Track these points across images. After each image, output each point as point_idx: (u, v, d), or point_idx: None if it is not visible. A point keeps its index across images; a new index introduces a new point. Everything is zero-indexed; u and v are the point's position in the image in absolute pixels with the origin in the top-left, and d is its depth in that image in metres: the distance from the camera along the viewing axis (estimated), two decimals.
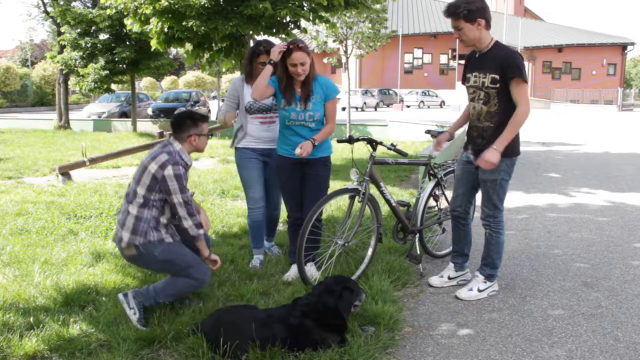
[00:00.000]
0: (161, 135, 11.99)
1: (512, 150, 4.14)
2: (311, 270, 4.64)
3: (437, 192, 5.30)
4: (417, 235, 5.11)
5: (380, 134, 18.78)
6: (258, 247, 5.15)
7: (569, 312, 4.10)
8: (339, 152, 13.15)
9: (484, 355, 3.47)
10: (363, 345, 3.39)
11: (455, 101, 40.47)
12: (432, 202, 5.36)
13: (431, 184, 5.19)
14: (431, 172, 5.26)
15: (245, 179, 5.04)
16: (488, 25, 4.08)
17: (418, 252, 4.99)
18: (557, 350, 3.52)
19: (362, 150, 13.67)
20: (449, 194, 4.98)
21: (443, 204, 5.47)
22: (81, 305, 4.05)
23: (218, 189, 8.39)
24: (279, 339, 3.32)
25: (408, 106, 47.13)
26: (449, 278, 4.68)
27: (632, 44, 57.96)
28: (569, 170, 10.85)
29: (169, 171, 3.65)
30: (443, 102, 49.05)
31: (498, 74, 4.04)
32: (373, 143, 4.82)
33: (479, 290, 4.37)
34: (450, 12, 4.04)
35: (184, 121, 3.86)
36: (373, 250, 4.79)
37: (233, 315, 3.48)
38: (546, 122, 23.14)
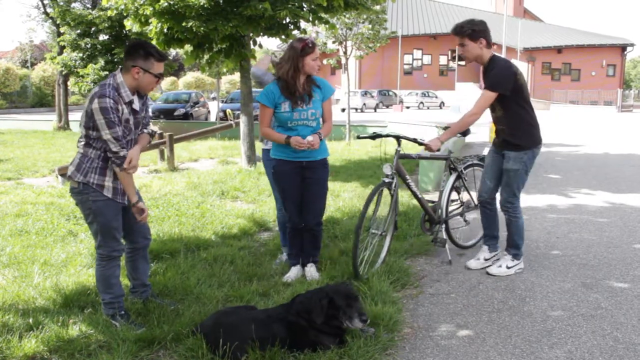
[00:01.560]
0: (161, 136, 11.97)
1: (530, 142, 4.78)
2: (311, 271, 4.70)
3: (458, 185, 5.60)
4: (444, 225, 5.41)
5: None
6: (286, 245, 5.11)
7: (569, 313, 4.10)
8: (338, 154, 13.15)
9: (483, 356, 3.47)
10: (363, 347, 3.39)
11: (455, 102, 40.48)
12: (454, 196, 5.66)
13: (452, 178, 5.48)
14: (451, 166, 5.51)
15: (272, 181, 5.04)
16: (489, 45, 4.67)
17: (444, 237, 5.34)
18: (556, 351, 3.51)
19: (361, 151, 13.68)
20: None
21: (465, 197, 5.74)
22: (81, 306, 4.05)
23: (218, 190, 8.39)
24: (278, 339, 3.33)
25: (408, 107, 47.15)
26: (485, 259, 5.14)
27: (632, 45, 57.97)
28: (568, 171, 10.85)
29: (94, 104, 3.44)
30: (443, 103, 49.07)
31: None
32: (398, 139, 5.09)
33: (507, 267, 4.92)
34: (457, 30, 4.64)
35: (136, 49, 3.59)
36: (391, 238, 5.11)
37: (232, 316, 3.48)
38: (546, 123, 23.11)
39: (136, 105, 3.70)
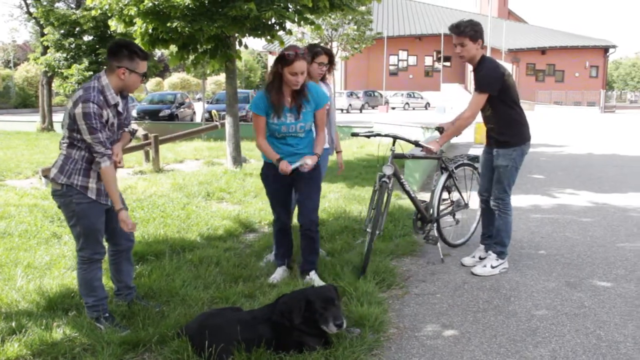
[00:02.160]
0: (146, 137, 11.91)
1: (519, 140, 4.88)
2: (315, 279, 4.58)
3: (449, 185, 5.64)
4: (435, 224, 5.47)
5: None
6: None
7: (553, 312, 4.13)
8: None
9: (469, 355, 3.49)
10: (348, 347, 3.39)
11: (440, 103, 40.67)
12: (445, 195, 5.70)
13: (444, 177, 5.52)
14: (443, 165, 5.55)
15: None
16: (483, 46, 4.82)
17: (436, 235, 5.42)
18: (541, 350, 3.54)
19: (347, 152, 13.69)
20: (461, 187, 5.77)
21: (455, 196, 5.76)
22: (65, 309, 4.02)
23: (203, 191, 8.35)
24: (264, 340, 3.32)
25: (393, 108, 47.33)
26: (480, 258, 5.21)
27: (614, 46, 58.68)
28: (552, 172, 10.94)
29: (78, 109, 3.41)
30: (428, 103, 49.29)
31: None
32: (395, 139, 5.12)
33: (492, 267, 4.96)
34: (459, 30, 4.69)
35: (120, 49, 3.54)
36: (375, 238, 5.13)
37: (218, 318, 3.46)
38: (530, 124, 23.26)
39: (120, 107, 3.67)
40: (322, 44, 17.12)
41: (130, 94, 4.00)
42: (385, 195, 4.87)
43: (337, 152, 5.54)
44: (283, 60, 4.13)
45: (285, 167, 4.25)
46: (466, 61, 4.82)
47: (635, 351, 3.52)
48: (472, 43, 4.68)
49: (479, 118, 5.05)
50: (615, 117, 34.03)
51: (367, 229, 4.91)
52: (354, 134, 5.42)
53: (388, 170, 4.91)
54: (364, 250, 4.88)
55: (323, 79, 5.23)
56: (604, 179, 10.00)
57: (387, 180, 4.89)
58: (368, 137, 5.20)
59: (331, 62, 5.13)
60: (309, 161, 4.26)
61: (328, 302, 3.45)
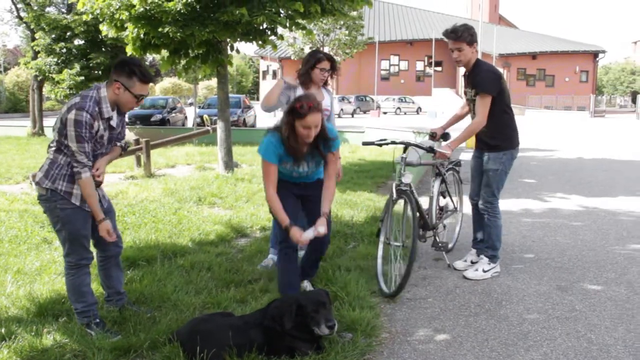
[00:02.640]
0: (137, 142, 11.87)
1: (509, 144, 4.92)
2: (308, 287, 4.55)
3: (442, 190, 5.58)
4: (436, 230, 5.43)
5: (357, 140, 18.82)
6: (276, 248, 4.93)
7: (544, 316, 4.15)
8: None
9: (460, 359, 3.50)
10: (340, 352, 3.39)
11: (432, 107, 40.79)
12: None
13: (438, 182, 5.46)
14: (437, 171, 5.49)
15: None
16: (477, 50, 4.85)
17: (444, 240, 5.43)
18: (532, 354, 3.55)
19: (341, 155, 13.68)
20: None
21: (444, 201, 5.72)
22: (55, 315, 3.99)
23: (195, 196, 8.33)
24: (256, 344, 3.32)
25: (385, 113, 47.41)
26: (472, 262, 5.23)
27: (603, 51, 59.12)
28: (543, 176, 11.00)
29: (71, 115, 3.38)
30: (419, 108, 49.42)
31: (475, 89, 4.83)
32: (406, 146, 4.96)
33: (484, 271, 4.97)
34: (456, 36, 4.69)
35: (122, 65, 3.55)
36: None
37: (209, 323, 3.45)
38: (521, 128, 23.40)
39: (114, 121, 3.64)
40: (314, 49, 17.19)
41: None
42: (412, 205, 4.57)
43: None
44: (295, 112, 3.80)
45: (299, 237, 3.87)
46: (462, 65, 4.85)
47: (626, 354, 3.54)
48: (468, 47, 4.73)
49: (468, 122, 5.04)
50: (605, 122, 34.26)
51: (392, 242, 4.74)
52: (366, 143, 5.24)
53: (407, 178, 4.70)
54: (392, 269, 4.64)
55: (325, 85, 5.26)
56: (594, 183, 10.06)
57: (410, 189, 4.66)
58: (380, 145, 5.02)
59: (333, 68, 5.12)
60: (321, 229, 3.92)
61: (319, 304, 3.45)
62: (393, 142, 5.01)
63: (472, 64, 4.83)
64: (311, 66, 5.03)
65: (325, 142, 4.03)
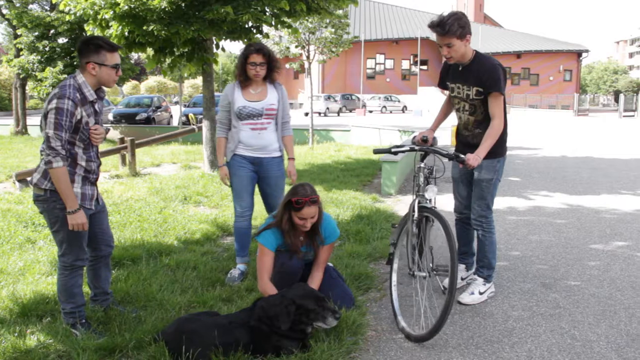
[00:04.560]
0: (122, 140, 11.80)
1: (503, 150, 4.38)
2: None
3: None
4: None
5: (343, 139, 18.87)
6: (242, 256, 4.97)
7: (529, 313, 4.18)
8: (301, 158, 13.16)
9: (446, 357, 3.51)
10: (326, 350, 3.39)
11: (417, 106, 40.95)
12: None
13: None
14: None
15: (235, 187, 4.86)
16: (470, 40, 4.17)
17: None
18: (517, 351, 3.58)
19: (324, 155, 13.71)
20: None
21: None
22: (39, 315, 3.96)
23: (180, 195, 8.30)
24: (241, 344, 3.31)
25: (370, 111, 47.48)
26: (461, 279, 4.75)
27: (587, 51, 59.76)
28: (528, 174, 11.08)
29: (52, 104, 3.38)
30: (405, 107, 49.55)
31: (481, 87, 4.19)
32: (426, 153, 4.20)
33: (480, 293, 4.43)
34: (445, 30, 4.00)
35: (85, 45, 3.52)
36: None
37: (194, 323, 3.44)
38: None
39: (97, 105, 3.65)
40: (299, 48, 17.15)
41: (106, 98, 3.95)
42: (444, 225, 3.78)
43: (289, 159, 5.04)
44: (291, 205, 3.90)
45: None
46: (456, 60, 4.22)
47: (608, 350, 3.58)
48: (459, 41, 4.05)
49: (454, 119, 4.69)
50: (588, 120, 34.57)
51: (417, 272, 3.99)
52: (378, 151, 4.38)
53: (431, 192, 4.05)
54: (421, 305, 3.97)
55: (272, 80, 4.83)
56: (578, 181, 10.15)
57: (429, 206, 3.98)
58: (395, 153, 4.24)
59: (270, 61, 4.68)
60: None
61: (319, 299, 3.53)
62: (412, 149, 4.18)
63: (468, 58, 4.20)
64: (242, 62, 4.67)
65: (317, 236, 4.09)
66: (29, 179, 3.60)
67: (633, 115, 38.60)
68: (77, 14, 10.05)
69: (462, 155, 4.03)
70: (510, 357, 3.50)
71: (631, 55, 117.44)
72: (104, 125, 3.97)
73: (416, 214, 3.97)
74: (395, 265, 4.15)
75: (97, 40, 3.55)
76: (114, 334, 3.63)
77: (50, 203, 3.55)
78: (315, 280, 4.08)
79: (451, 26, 3.98)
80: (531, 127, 26.67)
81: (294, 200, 3.86)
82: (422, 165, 4.17)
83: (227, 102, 4.78)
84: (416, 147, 4.19)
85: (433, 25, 4.05)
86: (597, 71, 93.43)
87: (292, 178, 4.99)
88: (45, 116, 3.45)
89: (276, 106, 4.82)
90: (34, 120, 25.62)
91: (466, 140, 4.46)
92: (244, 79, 4.74)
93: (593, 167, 12.17)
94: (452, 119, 4.84)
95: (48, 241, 5.87)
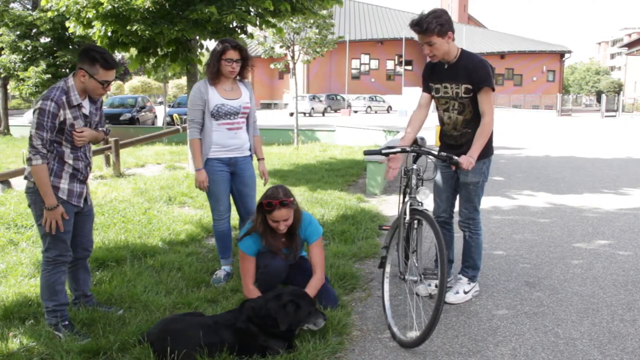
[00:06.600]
0: (106, 141, 11.70)
1: (489, 151, 4.29)
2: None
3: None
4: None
5: (328, 139, 18.88)
6: (226, 257, 4.94)
7: (513, 312, 4.21)
8: (286, 158, 13.15)
9: (431, 356, 3.53)
10: (312, 350, 3.39)
11: (402, 106, 41.07)
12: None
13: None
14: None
15: (212, 192, 4.76)
16: (453, 37, 4.09)
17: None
18: (501, 349, 3.61)
19: (309, 156, 13.71)
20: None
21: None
22: (21, 317, 3.92)
23: (165, 195, 8.26)
24: (226, 344, 3.31)
25: (355, 111, 47.59)
26: (436, 286, 4.48)
27: (569, 52, 60.42)
28: (512, 174, 11.15)
29: (37, 105, 3.51)
30: (390, 107, 49.70)
31: (470, 84, 4.12)
32: (418, 154, 4.14)
33: (465, 292, 4.44)
34: (423, 28, 3.94)
35: (86, 52, 3.60)
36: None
37: (179, 324, 3.43)
38: None
39: (86, 109, 3.70)
40: (284, 48, 17.13)
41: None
42: (434, 228, 3.71)
43: (258, 160, 4.99)
44: (262, 208, 3.92)
45: None
46: (439, 59, 4.13)
47: (591, 347, 3.62)
48: (440, 39, 3.97)
49: (435, 119, 4.58)
50: (571, 120, 34.91)
51: (408, 277, 3.91)
52: (369, 153, 4.30)
53: (424, 194, 3.97)
54: (411, 310, 3.98)
55: (242, 78, 4.77)
56: (561, 180, 10.24)
57: (421, 209, 3.90)
58: (387, 155, 4.13)
59: (244, 58, 4.57)
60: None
61: (311, 301, 3.60)
62: (403, 150, 4.09)
63: (453, 56, 4.12)
64: (217, 58, 4.51)
65: (296, 239, 4.13)
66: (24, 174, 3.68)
67: (615, 116, 39.01)
68: (60, 10, 9.94)
69: (456, 157, 3.93)
70: (494, 356, 3.52)
71: (612, 56, 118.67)
72: (106, 126, 4.01)
73: (407, 217, 3.93)
74: (388, 269, 4.06)
75: (96, 53, 3.59)
76: (98, 335, 3.60)
77: (37, 196, 3.61)
78: (316, 279, 4.05)
79: (429, 24, 3.91)
80: (515, 127, 26.87)
81: (265, 203, 3.89)
82: (415, 167, 4.12)
83: (202, 100, 4.59)
84: (408, 149, 4.10)
85: (413, 24, 4.02)
86: (580, 72, 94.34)
87: (265, 178, 5.04)
88: (33, 113, 3.57)
89: (250, 105, 4.78)
90: (16, 121, 25.37)
91: (454, 141, 4.35)
92: (215, 75, 4.58)
93: (576, 166, 12.28)
94: (433, 119, 4.73)
95: (31, 243, 5.81)
